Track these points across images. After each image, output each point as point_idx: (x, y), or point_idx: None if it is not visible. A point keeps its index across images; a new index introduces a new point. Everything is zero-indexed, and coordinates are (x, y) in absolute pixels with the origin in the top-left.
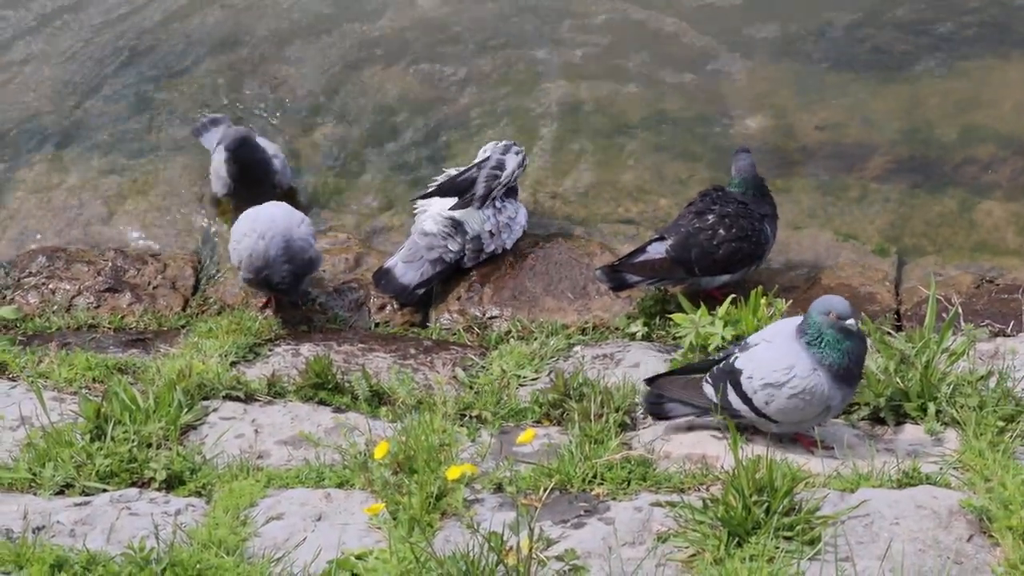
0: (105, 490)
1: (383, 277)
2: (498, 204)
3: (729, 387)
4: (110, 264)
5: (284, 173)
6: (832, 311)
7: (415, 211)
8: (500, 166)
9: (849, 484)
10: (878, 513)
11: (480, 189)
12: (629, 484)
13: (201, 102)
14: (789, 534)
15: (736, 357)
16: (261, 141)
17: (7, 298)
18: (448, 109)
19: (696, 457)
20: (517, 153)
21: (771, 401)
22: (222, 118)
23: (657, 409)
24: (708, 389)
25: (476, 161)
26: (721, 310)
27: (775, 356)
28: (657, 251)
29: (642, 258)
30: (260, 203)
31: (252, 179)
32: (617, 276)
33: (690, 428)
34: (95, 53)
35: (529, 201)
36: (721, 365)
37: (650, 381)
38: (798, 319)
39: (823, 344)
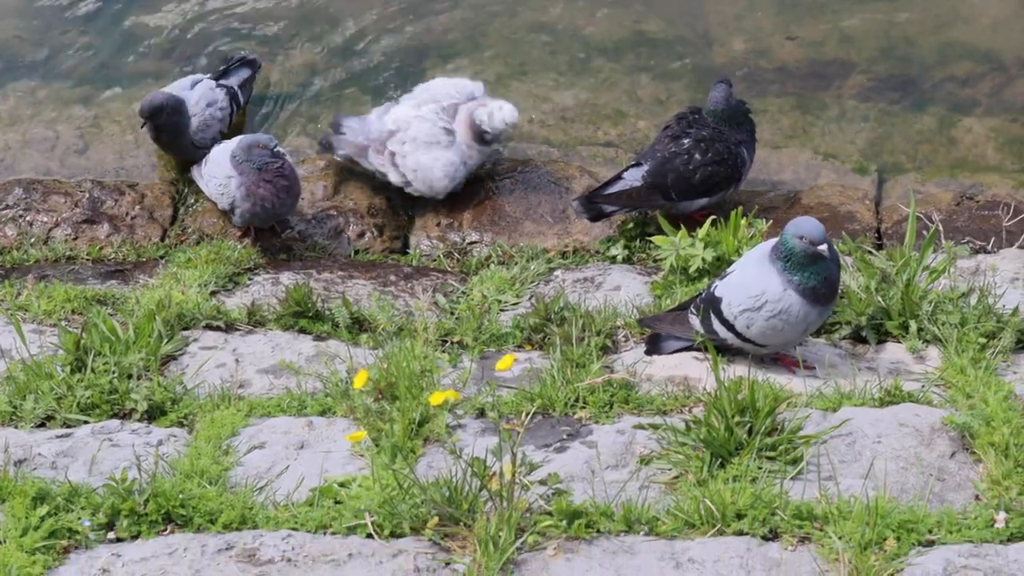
0: (86, 422)
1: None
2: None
3: (712, 316)
4: (87, 195)
5: (207, 130)
6: (805, 236)
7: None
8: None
9: (831, 403)
10: (860, 432)
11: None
12: (611, 407)
13: (174, 32)
14: (772, 454)
15: (716, 285)
16: (191, 93)
17: None
18: (424, 35)
19: (678, 379)
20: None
21: (751, 325)
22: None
23: (654, 348)
24: (693, 320)
25: None
26: (701, 232)
27: (747, 281)
28: (634, 178)
29: (618, 187)
30: (187, 159)
31: (168, 142)
32: (594, 207)
33: (672, 350)
34: None
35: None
36: (703, 295)
37: (641, 322)
38: (774, 241)
39: (793, 265)
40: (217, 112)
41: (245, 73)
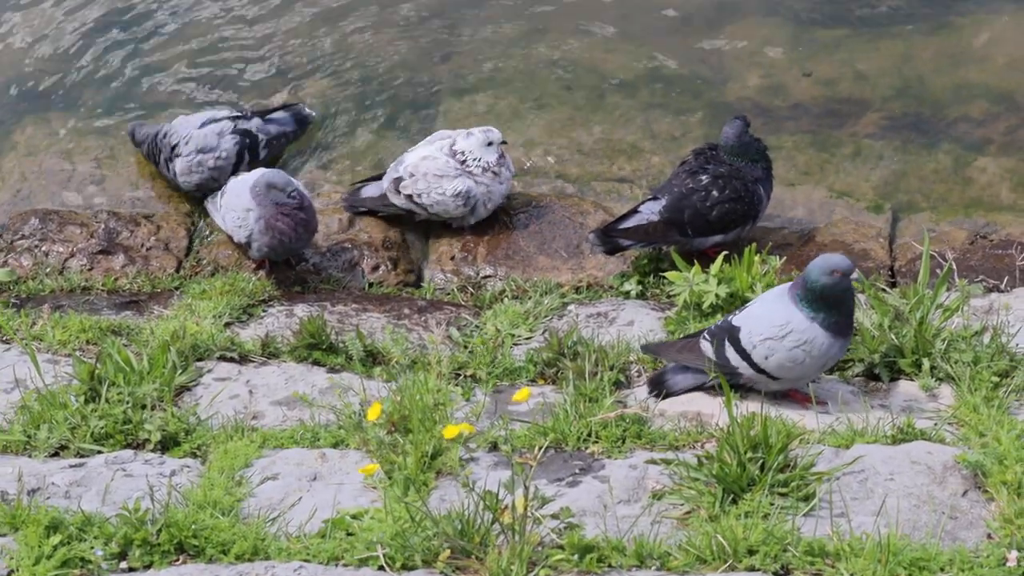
0: (100, 452)
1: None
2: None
3: (727, 344)
4: (103, 226)
5: (190, 175)
6: (837, 270)
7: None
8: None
9: (844, 440)
10: (873, 469)
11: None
12: (624, 442)
13: (189, 63)
14: (784, 490)
15: (734, 315)
16: (196, 132)
17: (0, 261)
18: (438, 68)
19: (691, 415)
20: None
21: (771, 355)
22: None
23: (659, 386)
24: (705, 346)
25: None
26: (714, 267)
27: (771, 312)
28: (651, 211)
29: (635, 221)
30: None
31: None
32: (610, 240)
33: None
34: (84, 15)
35: (522, 159)
36: (719, 323)
37: (645, 348)
38: (787, 285)
39: (819, 304)
40: (209, 159)
41: (289, 127)
